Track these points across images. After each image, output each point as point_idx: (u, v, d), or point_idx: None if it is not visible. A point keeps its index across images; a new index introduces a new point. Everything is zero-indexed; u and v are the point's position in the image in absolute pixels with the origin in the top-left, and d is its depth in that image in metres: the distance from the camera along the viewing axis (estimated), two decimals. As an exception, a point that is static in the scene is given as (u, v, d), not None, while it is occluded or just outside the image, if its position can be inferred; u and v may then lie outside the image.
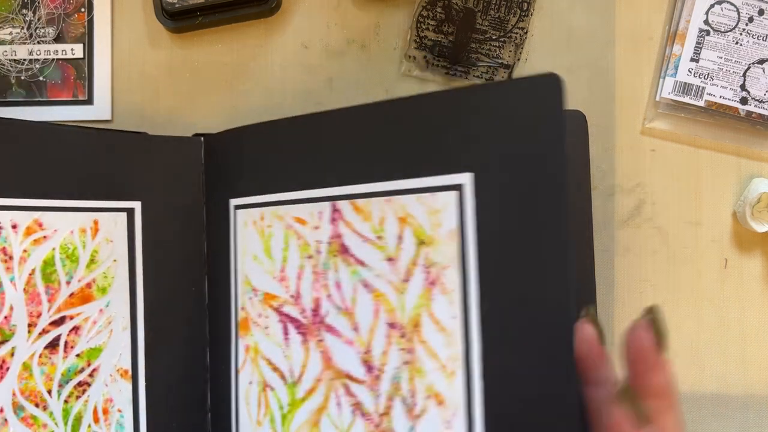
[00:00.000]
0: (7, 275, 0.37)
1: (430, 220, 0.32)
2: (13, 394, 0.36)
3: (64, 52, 0.45)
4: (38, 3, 0.44)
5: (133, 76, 0.46)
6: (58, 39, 0.45)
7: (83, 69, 0.45)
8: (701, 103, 0.44)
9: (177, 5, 0.42)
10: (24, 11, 0.44)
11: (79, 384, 0.38)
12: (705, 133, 0.44)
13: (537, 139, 0.29)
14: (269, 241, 0.37)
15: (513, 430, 0.29)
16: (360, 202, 0.34)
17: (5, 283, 0.37)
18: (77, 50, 0.45)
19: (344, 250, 0.34)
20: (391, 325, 0.33)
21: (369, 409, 0.33)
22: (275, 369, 0.36)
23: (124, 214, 0.40)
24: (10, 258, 0.37)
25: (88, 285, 0.39)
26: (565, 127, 0.29)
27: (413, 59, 0.44)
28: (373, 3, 0.45)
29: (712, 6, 0.43)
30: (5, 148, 0.36)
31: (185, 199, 0.40)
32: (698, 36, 0.43)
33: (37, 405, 0.37)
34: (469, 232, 0.31)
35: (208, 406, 0.40)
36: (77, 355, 0.38)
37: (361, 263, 0.34)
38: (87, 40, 0.45)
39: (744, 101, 0.43)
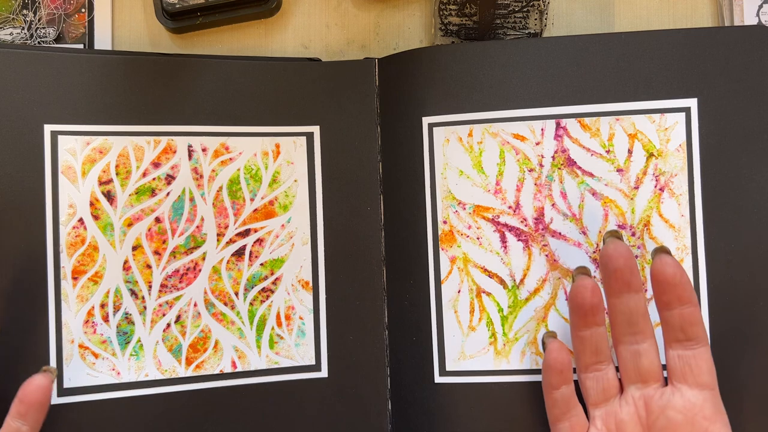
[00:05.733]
0: (199, 191, 0.40)
1: (660, 136, 0.38)
2: (205, 293, 0.39)
3: None
4: (39, 3, 0.44)
5: (134, 76, 0.45)
6: (59, 39, 0.44)
7: (84, 69, 0.45)
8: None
9: (177, 5, 0.42)
10: (24, 12, 0.44)
11: (263, 290, 0.40)
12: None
13: (750, 77, 0.37)
14: (480, 157, 0.39)
15: (729, 299, 0.37)
16: (587, 120, 0.38)
17: (197, 197, 0.40)
18: None
19: (570, 162, 0.38)
20: (621, 226, 0.38)
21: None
22: (492, 275, 0.39)
23: (303, 138, 0.41)
24: (201, 176, 0.40)
25: (271, 202, 0.41)
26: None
27: None
28: (373, 3, 0.45)
29: (761, 6, 0.46)
30: (197, 83, 0.39)
31: (360, 121, 0.41)
32: (755, 35, 0.44)
33: (225, 304, 0.40)
34: (694, 145, 0.38)
35: (385, 323, 0.40)
36: (261, 264, 0.40)
37: (590, 174, 0.38)
38: (87, 40, 0.44)
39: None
